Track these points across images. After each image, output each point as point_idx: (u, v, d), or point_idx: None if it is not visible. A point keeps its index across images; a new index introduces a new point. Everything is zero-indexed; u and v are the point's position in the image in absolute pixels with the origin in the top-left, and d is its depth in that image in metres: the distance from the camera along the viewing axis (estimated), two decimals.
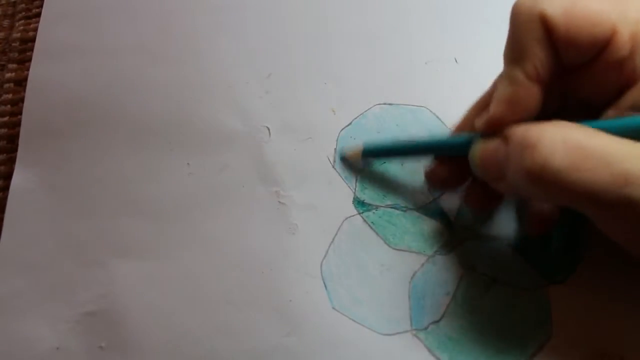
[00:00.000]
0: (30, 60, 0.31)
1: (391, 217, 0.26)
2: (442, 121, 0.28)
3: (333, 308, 0.24)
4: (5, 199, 0.28)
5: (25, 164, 0.28)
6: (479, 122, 0.21)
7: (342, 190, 0.27)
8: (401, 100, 0.28)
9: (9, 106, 0.30)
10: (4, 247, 0.27)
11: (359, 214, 0.26)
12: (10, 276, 0.26)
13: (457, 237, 0.26)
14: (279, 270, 0.25)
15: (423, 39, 0.30)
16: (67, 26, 0.32)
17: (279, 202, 0.27)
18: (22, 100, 0.30)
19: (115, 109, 0.29)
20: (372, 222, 0.26)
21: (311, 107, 0.29)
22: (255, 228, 0.26)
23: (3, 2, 0.34)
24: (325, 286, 0.25)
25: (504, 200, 0.25)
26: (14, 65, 0.32)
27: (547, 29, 0.19)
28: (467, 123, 0.24)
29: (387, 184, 0.27)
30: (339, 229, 0.26)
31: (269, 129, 0.28)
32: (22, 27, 0.33)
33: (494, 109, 0.21)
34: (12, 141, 0.29)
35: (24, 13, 0.33)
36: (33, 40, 0.32)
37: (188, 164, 0.28)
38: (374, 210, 0.26)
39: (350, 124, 0.28)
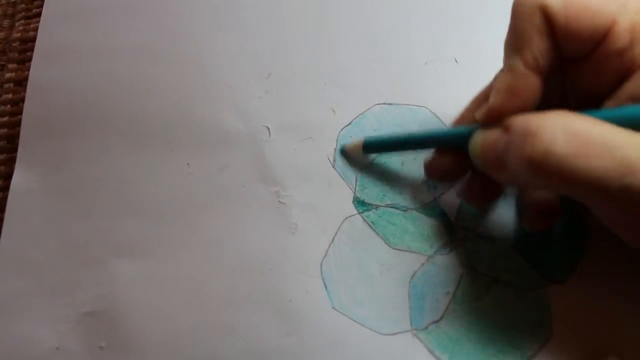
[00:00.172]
0: (30, 60, 0.31)
1: (391, 216, 0.26)
2: (442, 121, 0.28)
3: (333, 308, 0.24)
4: (5, 199, 0.28)
5: (25, 164, 0.28)
6: (479, 113, 0.21)
7: (342, 190, 0.27)
8: (401, 100, 0.29)
9: (9, 106, 0.30)
10: (4, 247, 0.27)
11: (359, 213, 0.26)
12: (10, 276, 0.26)
13: (457, 237, 0.26)
14: (279, 270, 0.25)
15: (423, 39, 0.30)
16: (67, 26, 0.32)
17: (279, 202, 0.27)
18: (22, 100, 0.30)
19: (115, 109, 0.29)
20: (372, 222, 0.26)
21: (311, 107, 0.29)
22: (255, 228, 0.26)
23: (3, 2, 0.34)
24: (325, 286, 0.25)
25: (502, 195, 0.25)
26: (14, 65, 0.32)
27: (547, 20, 0.19)
28: (468, 116, 0.24)
29: (387, 184, 0.27)
30: (339, 228, 0.26)
31: (269, 129, 0.28)
32: (22, 27, 0.33)
33: (493, 98, 0.21)
34: (12, 141, 0.29)
35: (24, 13, 0.33)
36: (33, 40, 0.32)
37: (188, 164, 0.28)
38: (374, 210, 0.26)
39: (350, 123, 0.28)
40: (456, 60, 0.29)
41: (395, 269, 0.25)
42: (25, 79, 0.31)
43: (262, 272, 0.25)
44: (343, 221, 0.26)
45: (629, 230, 0.20)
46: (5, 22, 0.34)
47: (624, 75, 0.20)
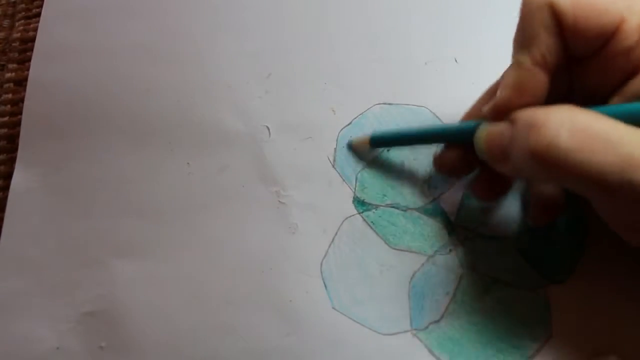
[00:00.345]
0: (30, 60, 0.31)
1: (391, 216, 0.26)
2: (442, 121, 0.28)
3: (333, 308, 0.24)
4: (5, 199, 0.28)
5: (25, 164, 0.28)
6: (486, 108, 0.22)
7: (342, 189, 0.27)
8: (401, 100, 0.28)
9: (9, 106, 0.30)
10: (4, 247, 0.27)
11: (359, 213, 0.26)
12: (10, 276, 0.26)
13: (457, 237, 0.26)
14: (279, 270, 0.25)
15: (423, 39, 0.30)
16: (67, 26, 0.32)
17: (279, 202, 0.27)
18: (22, 100, 0.30)
19: (115, 109, 0.29)
20: (372, 222, 0.26)
21: (311, 107, 0.29)
22: (255, 228, 0.26)
23: (3, 2, 0.34)
24: (325, 286, 0.25)
25: (510, 190, 0.25)
26: (14, 65, 0.32)
27: (556, 17, 0.19)
28: (476, 111, 0.24)
29: (387, 184, 0.27)
30: (339, 228, 0.26)
31: (269, 129, 0.28)
32: (22, 27, 0.33)
33: (500, 94, 0.21)
34: (12, 141, 0.29)
35: (24, 13, 0.33)
36: (33, 40, 0.32)
37: (188, 164, 0.28)
38: (374, 210, 0.26)
39: (350, 123, 0.28)
40: (456, 60, 0.29)
41: (395, 269, 0.25)
42: (25, 79, 0.31)
43: (262, 272, 0.25)
44: (343, 221, 0.26)
45: (629, 227, 0.20)
46: (5, 22, 0.34)
47: (631, 73, 0.20)
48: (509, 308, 0.24)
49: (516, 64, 0.21)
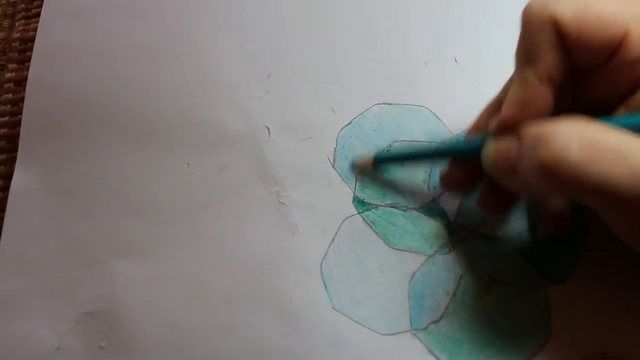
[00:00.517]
0: (30, 60, 0.31)
1: (391, 216, 0.26)
2: (441, 121, 0.28)
3: (333, 308, 0.24)
4: (5, 199, 0.28)
5: (25, 164, 0.28)
6: (492, 124, 0.21)
7: (342, 189, 0.27)
8: (401, 100, 0.28)
9: (9, 106, 0.30)
10: (4, 247, 0.27)
11: (359, 213, 0.26)
12: (10, 276, 0.26)
13: (457, 237, 0.26)
14: (279, 270, 0.25)
15: (423, 39, 0.30)
16: (67, 26, 0.32)
17: (279, 202, 0.27)
18: (22, 100, 0.30)
19: (115, 109, 0.29)
20: (372, 222, 0.26)
21: (311, 107, 0.29)
22: (255, 228, 0.26)
23: (3, 2, 0.34)
24: (325, 286, 0.25)
25: (517, 203, 0.25)
26: (14, 65, 0.32)
27: (559, 32, 0.19)
28: (480, 125, 0.24)
29: (387, 184, 0.27)
30: (339, 228, 0.26)
31: (269, 129, 0.28)
32: (22, 27, 0.33)
33: (505, 110, 0.21)
34: (12, 141, 0.29)
35: (24, 13, 0.34)
36: (33, 40, 0.32)
37: (188, 164, 0.28)
38: (373, 210, 0.26)
39: (350, 123, 0.28)
40: (456, 60, 0.29)
41: (395, 269, 0.25)
42: (25, 79, 0.31)
43: (262, 272, 0.25)
44: (343, 221, 0.26)
45: (637, 236, 0.20)
46: (5, 22, 0.34)
47: (636, 84, 0.19)
48: (509, 308, 0.24)
49: (520, 80, 0.20)
